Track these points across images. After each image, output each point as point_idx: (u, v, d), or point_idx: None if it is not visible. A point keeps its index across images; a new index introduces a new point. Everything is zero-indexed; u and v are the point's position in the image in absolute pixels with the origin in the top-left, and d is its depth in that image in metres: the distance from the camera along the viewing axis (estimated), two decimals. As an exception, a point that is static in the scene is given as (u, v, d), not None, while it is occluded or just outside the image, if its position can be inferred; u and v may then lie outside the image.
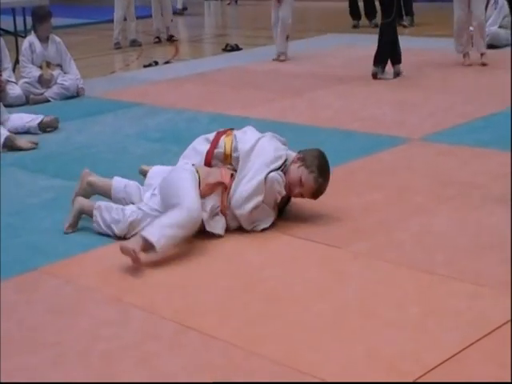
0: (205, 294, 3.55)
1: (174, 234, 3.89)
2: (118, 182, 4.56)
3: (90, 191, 4.58)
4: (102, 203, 4.32)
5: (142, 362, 3.02)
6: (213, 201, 4.20)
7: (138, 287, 3.65)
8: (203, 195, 4.17)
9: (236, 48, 11.09)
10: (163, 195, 4.19)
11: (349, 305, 3.37)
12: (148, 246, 3.82)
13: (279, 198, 4.27)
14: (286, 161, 4.30)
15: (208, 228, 4.15)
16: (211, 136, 4.61)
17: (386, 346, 3.02)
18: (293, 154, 4.38)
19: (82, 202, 4.40)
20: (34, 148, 6.23)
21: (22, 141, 6.28)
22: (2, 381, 2.92)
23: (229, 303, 3.45)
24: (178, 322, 3.30)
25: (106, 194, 4.54)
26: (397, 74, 8.16)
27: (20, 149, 6.18)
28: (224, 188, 4.25)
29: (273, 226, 4.26)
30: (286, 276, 3.70)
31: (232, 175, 4.31)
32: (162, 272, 3.81)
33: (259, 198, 4.18)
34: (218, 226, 4.19)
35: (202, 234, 4.18)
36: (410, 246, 3.95)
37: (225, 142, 4.51)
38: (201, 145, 4.59)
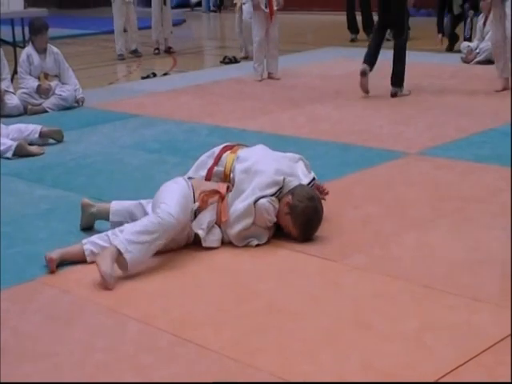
0: (201, 305, 3.55)
1: (143, 240, 3.85)
2: (116, 205, 4.47)
3: (93, 219, 4.52)
4: (90, 246, 4.06)
5: (137, 373, 3.01)
6: (209, 215, 4.17)
7: (134, 298, 3.65)
8: (200, 205, 4.15)
9: (234, 60, 11.12)
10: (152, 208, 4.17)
11: (345, 318, 3.36)
12: (120, 257, 3.81)
13: (270, 225, 4.22)
14: (281, 188, 4.21)
15: (204, 244, 4.14)
16: (217, 150, 4.58)
17: (381, 359, 3.01)
18: (295, 181, 4.26)
19: (61, 252, 4.05)
20: (42, 154, 6.34)
21: (32, 147, 6.38)
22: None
23: (224, 315, 3.45)
24: (173, 334, 3.29)
25: (108, 219, 4.49)
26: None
27: (31, 155, 6.28)
28: (220, 198, 4.23)
29: (269, 238, 4.25)
30: (282, 288, 3.70)
31: (228, 187, 4.30)
32: (157, 283, 3.81)
33: (248, 221, 4.15)
34: (213, 239, 4.17)
35: (198, 245, 4.19)
36: (406, 260, 3.94)
37: (226, 161, 4.47)
38: (206, 160, 4.57)
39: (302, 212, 4.15)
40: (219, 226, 4.21)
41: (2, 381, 2.97)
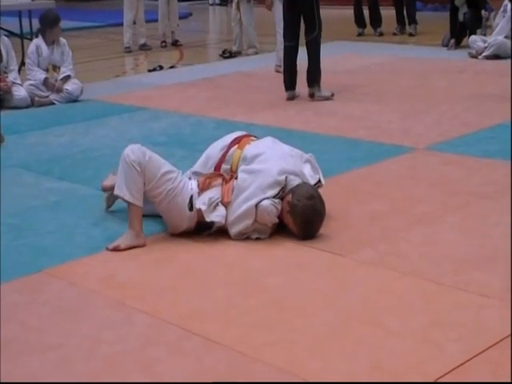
0: (209, 299, 3.55)
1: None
2: None
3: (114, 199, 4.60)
4: None
5: (144, 366, 3.01)
6: (212, 193, 4.22)
7: (142, 291, 3.65)
8: (202, 187, 4.23)
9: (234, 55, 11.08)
10: None
11: (352, 313, 3.36)
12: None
13: (270, 225, 4.21)
14: (283, 187, 4.21)
15: (208, 219, 4.17)
16: (227, 143, 4.52)
17: (389, 355, 3.01)
18: (297, 180, 4.24)
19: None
20: None
21: None
22: (3, 381, 2.92)
23: (233, 309, 3.44)
24: (181, 327, 3.29)
25: None
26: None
27: None
28: (224, 180, 4.27)
29: (277, 232, 4.24)
30: (290, 283, 3.69)
31: (232, 175, 4.33)
32: (166, 277, 3.81)
33: (248, 222, 4.16)
34: (217, 214, 4.19)
35: (206, 240, 4.20)
36: (414, 255, 3.94)
37: (233, 158, 4.43)
38: (216, 154, 4.51)
39: (301, 211, 4.14)
40: (225, 206, 4.22)
41: (6, 375, 2.97)
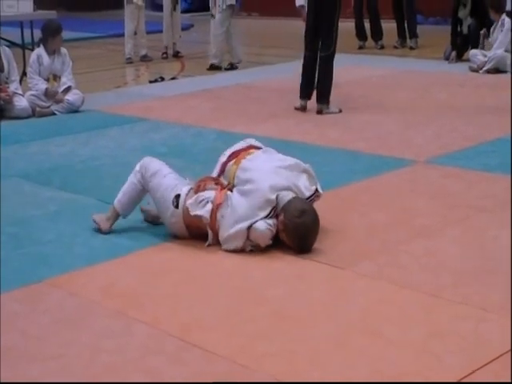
0: (208, 310, 3.55)
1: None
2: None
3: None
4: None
5: (143, 376, 3.01)
6: (203, 194, 4.26)
7: (142, 302, 3.65)
8: (196, 190, 4.30)
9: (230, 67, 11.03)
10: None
11: (352, 325, 3.36)
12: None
13: (264, 246, 4.22)
14: (275, 205, 4.19)
15: (192, 212, 4.22)
16: (225, 157, 4.52)
17: (389, 366, 3.01)
18: (288, 196, 4.21)
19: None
20: None
21: None
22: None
23: (232, 320, 3.45)
24: (181, 338, 3.29)
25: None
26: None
27: None
28: (220, 185, 4.32)
29: (276, 245, 4.23)
30: (290, 295, 3.70)
31: (229, 182, 4.35)
32: (165, 287, 3.81)
33: (238, 243, 4.18)
34: (204, 209, 4.23)
35: (206, 250, 4.21)
36: (414, 268, 3.94)
37: (229, 175, 4.42)
38: (217, 166, 4.56)
39: (294, 229, 4.14)
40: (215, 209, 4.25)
41: (10, 381, 2.98)
